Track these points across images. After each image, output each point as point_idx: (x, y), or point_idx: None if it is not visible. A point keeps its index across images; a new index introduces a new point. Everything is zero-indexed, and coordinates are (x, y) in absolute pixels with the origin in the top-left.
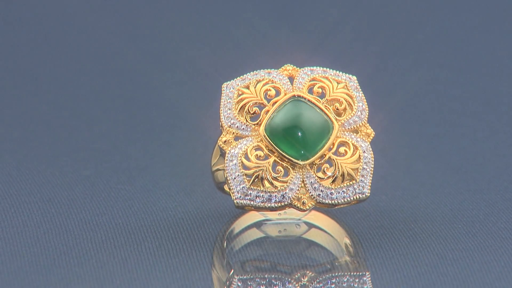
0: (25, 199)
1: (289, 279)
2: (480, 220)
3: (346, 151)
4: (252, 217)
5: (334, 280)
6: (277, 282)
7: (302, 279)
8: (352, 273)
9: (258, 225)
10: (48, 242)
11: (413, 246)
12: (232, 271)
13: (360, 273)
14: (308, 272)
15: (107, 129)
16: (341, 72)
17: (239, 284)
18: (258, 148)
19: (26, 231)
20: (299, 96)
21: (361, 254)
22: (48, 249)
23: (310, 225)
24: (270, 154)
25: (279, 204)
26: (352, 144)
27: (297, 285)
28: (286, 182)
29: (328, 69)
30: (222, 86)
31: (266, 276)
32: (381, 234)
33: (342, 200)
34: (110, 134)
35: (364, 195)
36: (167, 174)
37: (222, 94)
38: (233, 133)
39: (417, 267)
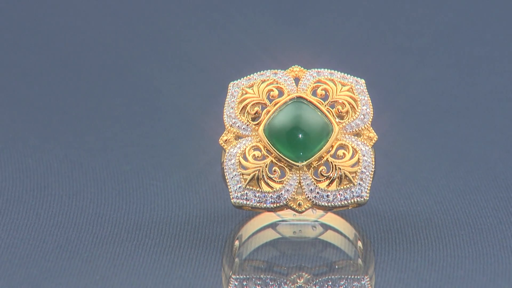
0: (52, 191)
1: (285, 280)
2: (488, 228)
3: (344, 154)
4: (268, 217)
5: (330, 283)
6: (272, 283)
7: (298, 280)
8: (350, 276)
9: (273, 225)
10: (50, 235)
11: (408, 251)
12: (231, 271)
13: (358, 277)
14: (304, 273)
15: (161, 126)
16: (349, 75)
17: (236, 284)
18: (256, 148)
19: (35, 223)
20: (301, 97)
21: (364, 258)
22: (47, 243)
23: (326, 227)
24: (268, 155)
25: (275, 205)
26: (352, 147)
27: (293, 286)
28: (282, 183)
29: (335, 71)
30: (229, 85)
31: (262, 276)
32: (384, 238)
33: (339, 203)
34: (162, 131)
35: (362, 199)
36: (204, 172)
37: (228, 93)
38: (234, 132)
39: (402, 272)
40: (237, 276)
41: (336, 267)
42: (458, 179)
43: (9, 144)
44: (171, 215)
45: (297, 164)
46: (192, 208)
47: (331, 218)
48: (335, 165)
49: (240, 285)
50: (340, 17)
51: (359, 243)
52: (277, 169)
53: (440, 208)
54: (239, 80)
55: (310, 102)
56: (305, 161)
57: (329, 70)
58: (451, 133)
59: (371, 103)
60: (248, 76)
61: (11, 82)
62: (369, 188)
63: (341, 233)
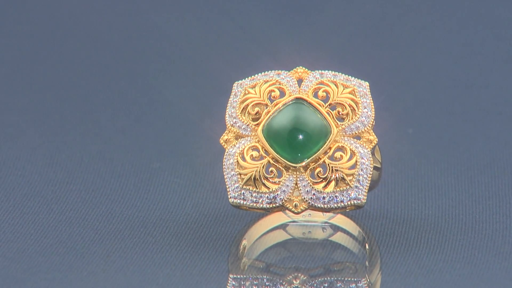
0: (73, 187)
1: (281, 281)
2: (490, 234)
3: (342, 156)
4: (278, 217)
5: (326, 285)
6: (269, 283)
7: (294, 281)
8: (346, 279)
9: (283, 226)
10: (54, 230)
11: (402, 255)
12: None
13: (355, 279)
14: (300, 275)
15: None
16: (352, 77)
17: (234, 283)
18: (255, 148)
19: (44, 218)
20: (301, 98)
21: (370, 260)
22: (48, 237)
23: (336, 229)
24: (265, 155)
25: (271, 205)
26: (350, 149)
27: (288, 287)
28: (279, 184)
29: (339, 73)
30: (234, 84)
31: (259, 276)
32: (384, 241)
33: (335, 205)
34: (199, 131)
35: (359, 201)
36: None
37: (231, 93)
38: (235, 132)
39: (388, 276)
40: (235, 276)
41: (335, 269)
42: (481, 184)
43: (48, 139)
44: (182, 214)
45: (294, 165)
46: (206, 206)
47: (341, 220)
48: (332, 167)
49: (238, 284)
50: (347, 17)
51: (367, 245)
52: (273, 169)
53: (452, 213)
54: (243, 80)
55: (310, 103)
56: (301, 162)
57: (332, 72)
58: (482, 137)
59: (373, 106)
60: (252, 76)
61: (55, 79)
62: (366, 190)
63: (350, 235)
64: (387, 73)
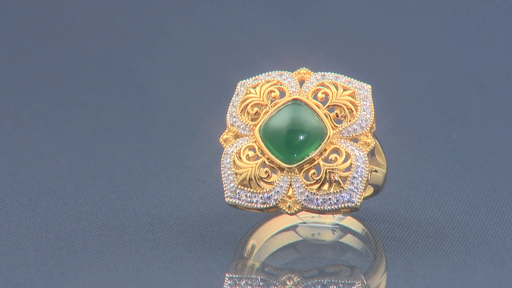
0: (98, 182)
1: (275, 282)
2: (491, 241)
3: (336, 158)
4: (288, 218)
5: (319, 287)
6: (262, 284)
7: (288, 282)
8: (341, 281)
9: (293, 227)
10: (58, 224)
11: (392, 260)
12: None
13: (350, 282)
14: (294, 276)
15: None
16: (355, 80)
17: (230, 282)
18: (251, 148)
19: (55, 212)
20: (299, 99)
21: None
22: (49, 232)
23: (346, 231)
24: (261, 155)
25: (265, 206)
26: (346, 152)
27: None
28: (273, 184)
29: (341, 75)
30: (237, 84)
31: (253, 276)
32: (389, 245)
33: (329, 207)
34: None
35: (353, 204)
36: None
37: (234, 92)
38: (234, 131)
39: (371, 279)
40: (232, 275)
41: (330, 271)
42: (504, 190)
43: (90, 134)
44: (193, 212)
45: (288, 166)
46: (220, 205)
47: (351, 222)
48: (326, 169)
49: (234, 284)
50: (353, 17)
51: (373, 248)
52: (268, 170)
53: (463, 218)
54: (247, 79)
55: (307, 105)
56: (295, 163)
57: (335, 74)
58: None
59: (373, 109)
60: (255, 76)
61: (97, 77)
62: (361, 193)
63: (360, 237)
64: (407, 77)
